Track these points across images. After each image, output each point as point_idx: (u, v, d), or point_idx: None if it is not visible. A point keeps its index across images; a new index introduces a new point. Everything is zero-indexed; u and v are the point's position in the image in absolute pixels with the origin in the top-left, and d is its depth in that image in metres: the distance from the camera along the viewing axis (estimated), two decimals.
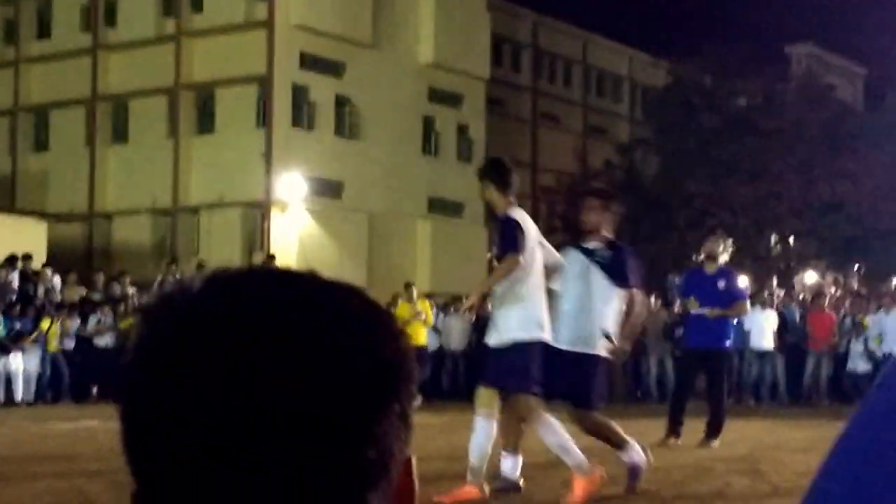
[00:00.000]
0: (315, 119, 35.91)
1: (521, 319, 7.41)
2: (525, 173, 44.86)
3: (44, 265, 25.54)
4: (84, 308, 22.35)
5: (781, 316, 21.30)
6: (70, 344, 21.67)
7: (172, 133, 35.78)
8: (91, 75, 36.79)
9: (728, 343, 12.16)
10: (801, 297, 23.23)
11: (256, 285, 0.83)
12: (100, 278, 24.73)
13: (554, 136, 47.10)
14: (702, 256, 12.53)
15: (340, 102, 36.58)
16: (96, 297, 23.16)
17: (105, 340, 22.04)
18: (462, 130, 40.66)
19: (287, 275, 0.85)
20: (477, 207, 40.12)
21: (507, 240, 7.47)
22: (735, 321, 13.53)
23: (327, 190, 35.44)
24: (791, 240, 38.29)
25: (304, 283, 0.84)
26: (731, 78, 38.69)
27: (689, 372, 12.40)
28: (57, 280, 24.03)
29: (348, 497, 0.79)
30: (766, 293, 22.25)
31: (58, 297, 22.75)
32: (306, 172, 34.09)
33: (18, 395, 21.07)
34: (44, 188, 36.71)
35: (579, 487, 7.44)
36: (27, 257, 25.03)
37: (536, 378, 7.49)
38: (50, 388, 21.52)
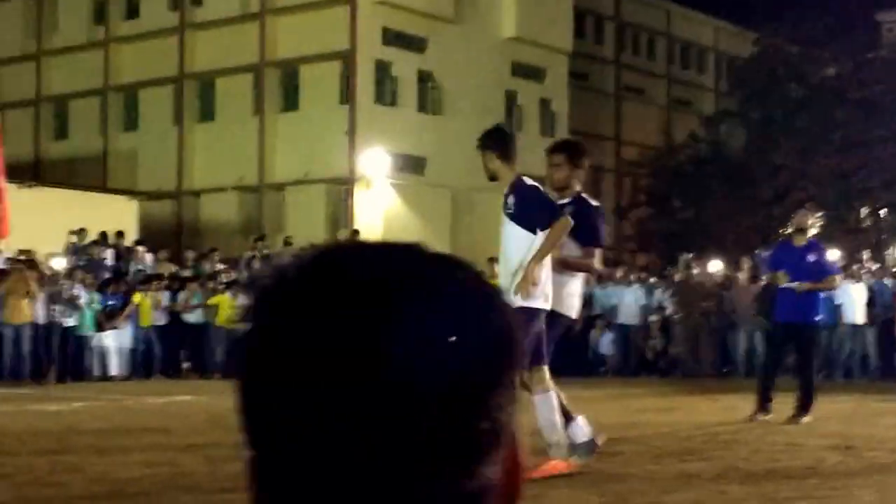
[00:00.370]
0: (398, 95, 36.04)
1: (531, 289, 7.31)
2: (608, 147, 44.63)
3: (135, 242, 26.04)
4: (174, 284, 22.75)
5: (872, 290, 20.96)
6: (162, 320, 22.08)
7: (258, 110, 36.15)
8: (178, 54, 37.31)
9: (818, 317, 11.99)
10: (893, 270, 22.82)
11: (369, 258, 0.84)
12: (189, 255, 25.13)
13: (638, 109, 46.72)
14: (791, 229, 12.34)
15: (423, 78, 36.64)
16: (186, 273, 23.55)
17: (194, 316, 22.40)
18: (545, 104, 40.50)
19: (398, 247, 0.86)
20: None
21: (543, 207, 7.36)
22: (825, 295, 13.34)
23: (410, 165, 35.56)
24: (883, 212, 37.60)
25: (414, 256, 0.85)
26: (818, 47, 38.01)
27: (778, 347, 12.25)
28: (148, 257, 24.48)
29: (461, 468, 0.80)
30: (857, 267, 21.92)
31: (149, 274, 23.18)
32: (390, 148, 34.22)
33: (112, 370, 21.55)
34: (134, 167, 37.35)
35: (550, 467, 7.22)
36: (119, 235, 25.55)
37: (527, 348, 7.36)
38: (142, 363, 21.95)
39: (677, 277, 23.06)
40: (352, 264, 0.83)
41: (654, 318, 22.72)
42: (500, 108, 38.81)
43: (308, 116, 35.23)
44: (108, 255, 24.27)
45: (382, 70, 35.53)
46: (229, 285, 22.74)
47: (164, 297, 22.28)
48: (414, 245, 0.86)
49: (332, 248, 0.85)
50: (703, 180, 38.72)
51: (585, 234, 7.71)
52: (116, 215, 28.62)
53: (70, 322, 20.80)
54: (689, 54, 49.81)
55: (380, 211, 34.15)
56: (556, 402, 7.39)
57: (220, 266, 24.31)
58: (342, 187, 34.51)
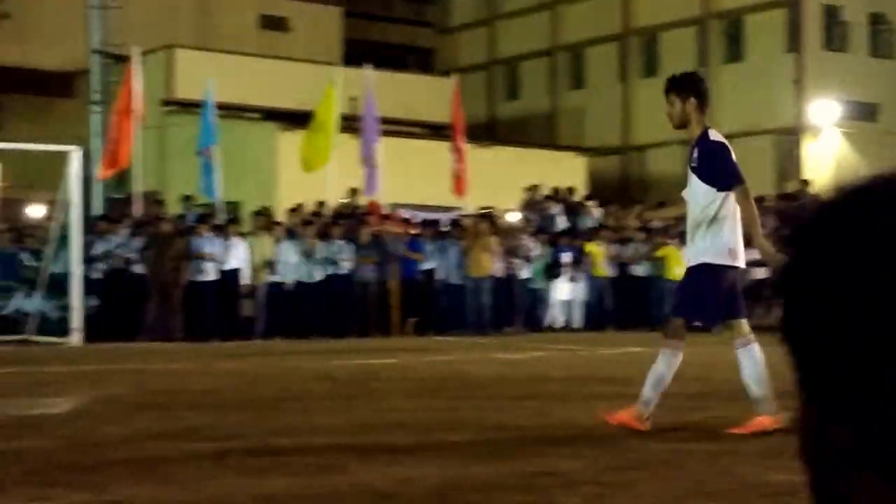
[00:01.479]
0: (848, 40, 34.48)
1: (712, 245, 7.06)
2: None
3: (585, 197, 26.74)
4: (622, 238, 23.17)
5: None
6: (613, 272, 22.58)
7: (702, 63, 35.82)
8: (622, 11, 37.66)
9: None
10: None
11: None
12: (637, 209, 25.46)
13: None
14: None
15: (875, 20, 34.80)
16: (633, 226, 23.91)
17: (642, 269, 22.71)
18: None
19: None
20: None
21: (728, 169, 7.08)
22: None
23: (862, 113, 34.00)
24: None
25: None
26: None
27: None
28: (597, 211, 25.07)
29: None
30: None
31: (599, 226, 23.75)
32: (839, 95, 32.90)
33: (565, 320, 22.34)
34: (581, 123, 38.22)
35: (626, 417, 7.15)
36: (570, 190, 26.34)
37: (711, 307, 7.17)
38: (594, 314, 22.54)
39: None
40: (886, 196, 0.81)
41: None
42: None
43: (752, 66, 34.48)
44: (559, 210, 25.11)
45: (831, 14, 34.11)
46: (677, 237, 22.87)
47: (614, 250, 22.77)
48: None
49: (864, 181, 0.83)
50: None
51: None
52: (566, 171, 29.48)
53: (525, 274, 21.76)
54: None
55: (829, 161, 32.93)
56: (760, 355, 7.05)
57: (666, 221, 24.47)
58: (790, 137, 33.58)
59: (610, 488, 5.29)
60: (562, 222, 24.57)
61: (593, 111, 38.16)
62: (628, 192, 34.30)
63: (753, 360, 7.06)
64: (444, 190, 24.42)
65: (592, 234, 23.21)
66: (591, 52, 38.81)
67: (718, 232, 7.09)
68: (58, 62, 33.77)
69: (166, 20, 34.40)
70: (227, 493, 5.17)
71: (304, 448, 6.55)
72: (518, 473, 5.68)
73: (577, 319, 22.59)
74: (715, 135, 7.20)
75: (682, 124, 7.25)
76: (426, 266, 21.20)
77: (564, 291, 22.42)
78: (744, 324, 7.21)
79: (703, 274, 7.11)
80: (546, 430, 7.39)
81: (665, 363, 7.17)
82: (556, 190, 26.05)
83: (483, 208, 22.54)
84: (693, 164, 7.19)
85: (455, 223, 22.13)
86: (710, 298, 7.13)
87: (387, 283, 20.67)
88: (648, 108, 36.78)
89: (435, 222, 22.39)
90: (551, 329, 22.07)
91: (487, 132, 37.83)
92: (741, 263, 7.18)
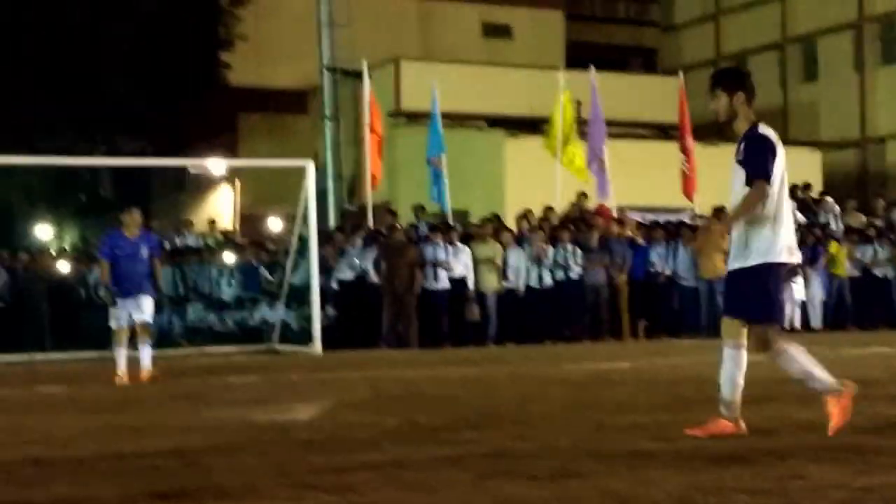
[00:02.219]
0: None
1: (768, 243, 6.88)
2: None
3: (821, 194, 25.89)
4: (863, 236, 22.30)
5: None
6: (854, 271, 21.81)
7: None
8: None
9: None
10: None
11: None
12: (879, 204, 24.44)
13: None
14: None
15: None
16: (877, 223, 22.95)
17: (883, 271, 21.80)
18: None
19: None
20: None
21: (759, 162, 6.87)
22: None
23: None
24: None
25: None
26: None
27: None
28: (836, 208, 24.25)
29: None
30: None
31: (838, 225, 22.96)
32: None
33: (801, 320, 21.71)
34: (814, 117, 36.98)
35: (835, 408, 7.00)
36: (806, 186, 25.57)
37: (776, 305, 6.99)
38: (832, 313, 21.86)
39: None
40: None
41: None
42: None
43: None
44: (794, 208, 24.39)
45: None
46: None
47: (857, 250, 21.96)
48: None
49: None
50: None
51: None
52: (800, 167, 28.57)
53: None
54: None
55: None
56: (744, 362, 7.13)
57: None
58: None
59: (862, 493, 5.10)
60: (798, 219, 23.89)
61: (827, 104, 36.87)
62: (866, 188, 32.99)
63: (739, 365, 7.15)
64: (673, 191, 24.08)
65: (831, 232, 22.46)
66: (823, 42, 37.48)
67: (778, 230, 6.94)
68: (291, 80, 35.04)
69: (391, 33, 35.20)
70: (467, 497, 5.23)
71: (542, 452, 6.58)
72: (761, 476, 5.55)
73: (816, 319, 21.91)
74: (764, 129, 7.07)
75: (729, 119, 7.21)
76: (658, 269, 20.97)
77: (801, 291, 21.80)
78: (745, 332, 7.12)
79: (769, 273, 6.95)
80: (788, 432, 7.22)
81: (790, 365, 7.16)
82: (792, 187, 25.30)
83: (717, 209, 22.15)
84: (739, 158, 7.08)
85: (686, 224, 21.79)
86: (776, 296, 7.07)
87: (617, 287, 20.54)
88: (888, 98, 35.31)
89: (665, 224, 22.10)
90: (789, 329, 21.48)
91: (716, 130, 37.04)
92: (797, 259, 7.15)
